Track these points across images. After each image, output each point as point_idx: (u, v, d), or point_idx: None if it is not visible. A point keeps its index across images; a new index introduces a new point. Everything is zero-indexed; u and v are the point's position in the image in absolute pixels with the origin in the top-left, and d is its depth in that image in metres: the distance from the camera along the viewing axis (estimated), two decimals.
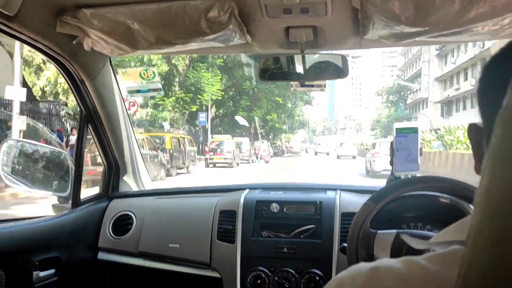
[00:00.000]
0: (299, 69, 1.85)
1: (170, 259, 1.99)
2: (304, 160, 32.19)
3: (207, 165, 23.08)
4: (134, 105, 18.05)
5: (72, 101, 17.20)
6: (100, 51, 1.69)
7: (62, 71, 1.83)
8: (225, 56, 27.80)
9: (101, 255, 2.08)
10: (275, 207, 1.90)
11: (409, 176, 1.78)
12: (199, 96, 27.63)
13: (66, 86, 16.94)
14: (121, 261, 2.06)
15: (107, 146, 2.17)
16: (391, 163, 1.81)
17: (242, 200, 1.94)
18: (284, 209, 1.90)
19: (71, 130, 16.97)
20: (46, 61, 16.21)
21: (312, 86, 2.07)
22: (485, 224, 0.36)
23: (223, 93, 30.89)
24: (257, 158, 29.26)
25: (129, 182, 2.35)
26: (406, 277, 0.50)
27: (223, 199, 2.05)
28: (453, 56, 40.33)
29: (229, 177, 17.11)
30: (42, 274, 1.71)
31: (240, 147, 27.06)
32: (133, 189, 2.37)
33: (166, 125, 25.85)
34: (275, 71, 1.88)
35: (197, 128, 31.15)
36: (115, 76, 2.08)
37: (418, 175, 1.73)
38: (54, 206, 2.03)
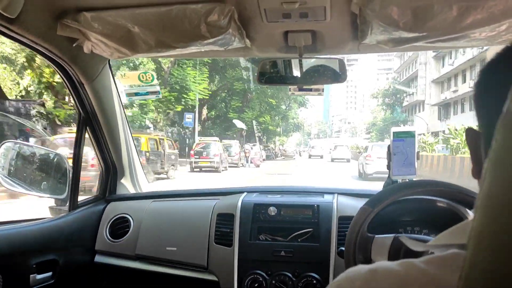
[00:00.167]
0: (297, 73, 1.89)
1: (167, 262, 2.01)
2: (297, 164, 31.64)
3: (192, 170, 21.98)
4: None
5: (54, 101, 16.97)
6: (100, 54, 1.71)
7: (61, 74, 1.85)
8: None
9: (98, 258, 2.10)
10: (272, 211, 1.93)
11: (406, 180, 1.81)
12: (185, 95, 26.33)
13: (50, 85, 16.48)
14: (118, 264, 2.08)
15: (105, 148, 2.20)
16: (388, 167, 1.83)
17: (239, 203, 1.97)
18: (282, 213, 1.93)
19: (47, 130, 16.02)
20: (30, 60, 16.11)
21: (310, 90, 2.09)
22: (487, 227, 0.38)
23: (210, 92, 29.70)
24: (247, 161, 28.14)
25: (126, 185, 2.38)
26: (404, 279, 0.51)
27: (221, 202, 2.08)
28: (450, 58, 39.71)
29: (211, 184, 16.11)
30: (39, 277, 1.72)
31: (229, 150, 26.12)
32: (131, 192, 2.40)
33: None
34: (273, 75, 1.92)
35: (187, 130, 30.26)
36: (113, 79, 2.11)
37: (415, 179, 1.80)
38: (51, 208, 2.04)
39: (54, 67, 1.81)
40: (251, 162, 27.96)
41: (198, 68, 27.36)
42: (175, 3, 1.47)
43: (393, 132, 1.83)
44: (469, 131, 0.64)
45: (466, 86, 35.94)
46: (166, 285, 2.12)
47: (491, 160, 0.40)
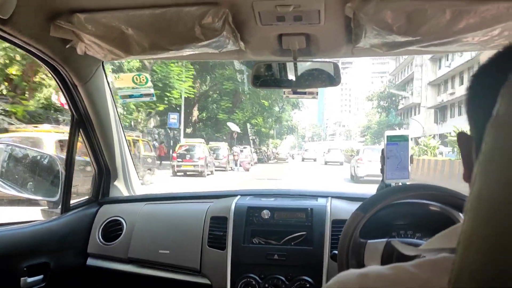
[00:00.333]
0: (292, 76, 1.91)
1: (160, 266, 2.03)
2: (290, 167, 31.13)
3: (174, 174, 20.67)
4: None
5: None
6: (93, 56, 1.72)
7: (54, 75, 1.86)
8: None
9: (90, 261, 2.11)
10: (266, 214, 1.95)
11: (400, 184, 1.84)
12: (168, 94, 24.65)
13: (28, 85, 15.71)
14: (110, 267, 2.09)
15: (98, 150, 2.20)
16: (382, 170, 1.86)
17: (233, 206, 1.99)
18: (275, 216, 1.95)
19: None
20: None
21: (304, 93, 2.12)
22: (476, 231, 0.39)
23: (196, 90, 28.47)
24: (236, 165, 26.97)
25: (119, 187, 2.39)
26: (395, 283, 0.53)
27: (214, 205, 2.10)
28: (447, 60, 38.72)
29: (190, 190, 14.74)
30: (30, 280, 1.72)
31: (216, 152, 25.13)
32: (124, 195, 2.41)
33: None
34: (267, 78, 1.95)
35: (175, 132, 29.12)
36: (107, 81, 2.12)
37: (408, 183, 1.81)
38: (43, 211, 2.05)
39: (47, 68, 1.82)
40: (240, 166, 26.93)
41: (183, 64, 25.63)
42: (169, 6, 1.49)
43: (387, 136, 1.86)
44: (460, 135, 0.65)
45: (464, 89, 35.69)
46: None
47: (480, 163, 0.41)
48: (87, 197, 2.31)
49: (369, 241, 1.44)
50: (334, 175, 22.55)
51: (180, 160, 20.68)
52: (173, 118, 25.56)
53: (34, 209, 2.13)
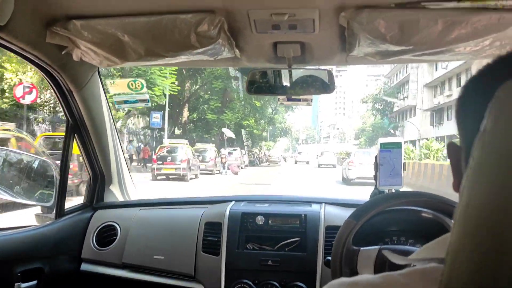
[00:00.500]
0: (286, 83, 1.95)
1: (154, 271, 2.05)
2: (282, 171, 30.68)
3: (154, 177, 19.42)
4: (30, 92, 13.99)
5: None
6: (89, 62, 1.75)
7: (49, 81, 1.88)
8: None
9: (84, 267, 2.13)
10: (260, 220, 1.98)
11: (393, 190, 1.87)
12: (148, 91, 21.20)
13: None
14: (104, 272, 2.11)
15: (93, 156, 2.23)
16: (375, 177, 1.89)
17: (227, 212, 2.02)
18: (269, 222, 1.98)
19: None
20: None
21: (299, 100, 2.17)
22: (464, 243, 0.41)
23: (179, 87, 26.99)
24: (224, 168, 25.86)
25: (114, 193, 2.41)
26: None
27: (209, 211, 2.13)
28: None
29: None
30: (24, 285, 1.74)
31: (203, 155, 24.08)
32: (119, 200, 2.43)
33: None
34: (262, 84, 1.98)
35: (162, 133, 27.97)
36: (103, 87, 2.15)
37: (402, 189, 1.84)
38: (37, 216, 2.07)
39: (43, 74, 1.84)
40: (228, 169, 25.91)
41: None
42: (165, 13, 1.52)
43: (380, 143, 1.89)
44: (449, 145, 0.67)
45: None
46: None
47: (468, 176, 0.44)
48: (81, 202, 2.32)
49: (361, 248, 1.47)
50: (327, 179, 22.60)
51: (160, 162, 19.57)
52: (155, 117, 24.41)
53: (27, 212, 2.15)
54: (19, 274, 1.73)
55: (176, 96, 29.54)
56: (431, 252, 0.60)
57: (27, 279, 1.78)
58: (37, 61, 1.71)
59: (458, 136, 0.66)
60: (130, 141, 27.89)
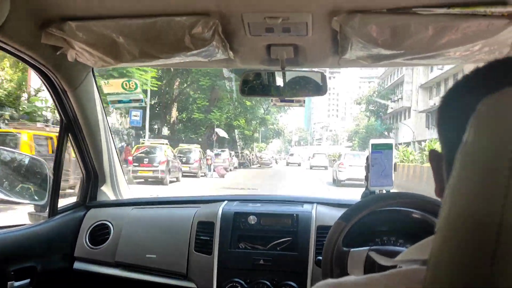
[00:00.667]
0: (279, 85, 1.99)
1: (146, 270, 2.08)
2: (273, 173, 30.15)
3: (130, 181, 15.38)
4: None
5: None
6: (84, 62, 1.78)
7: (44, 81, 1.91)
8: None
9: (77, 265, 2.15)
10: (252, 219, 2.02)
11: (384, 191, 1.92)
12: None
13: None
14: (97, 271, 2.14)
15: (86, 155, 2.26)
16: (366, 178, 1.95)
17: (220, 211, 2.06)
18: (261, 222, 2.02)
19: None
20: None
21: (292, 101, 2.21)
22: (445, 250, 0.45)
23: (159, 82, 25.94)
24: (209, 170, 24.70)
25: (107, 192, 2.45)
26: None
27: (201, 210, 2.16)
28: None
29: None
30: (17, 284, 1.76)
31: (187, 156, 22.90)
32: (111, 199, 2.46)
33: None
34: (255, 86, 2.02)
35: (152, 133, 27.18)
36: (97, 87, 2.18)
37: (392, 190, 1.89)
38: (31, 214, 2.09)
39: (37, 74, 1.87)
40: (214, 171, 24.62)
41: None
42: (159, 15, 1.55)
43: (372, 144, 1.95)
44: (431, 153, 0.70)
45: None
46: None
47: (450, 187, 0.47)
48: (74, 201, 2.35)
49: (351, 249, 1.51)
50: (318, 181, 22.93)
51: (137, 164, 18.02)
52: (135, 115, 22.44)
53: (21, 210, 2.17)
54: (12, 273, 1.75)
55: (164, 95, 29.23)
56: (415, 254, 0.63)
57: (20, 277, 1.79)
58: (31, 61, 1.74)
59: None
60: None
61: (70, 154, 2.45)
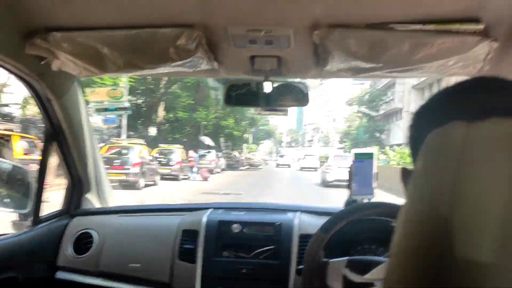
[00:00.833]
0: (263, 95, 2.05)
1: (130, 279, 2.11)
2: (262, 175, 30.01)
3: None
4: None
5: None
6: (68, 72, 1.83)
7: (29, 90, 1.94)
8: None
9: (60, 274, 2.17)
10: (236, 228, 2.08)
11: (366, 200, 2.01)
12: (98, 80, 18.67)
13: None
14: (80, 280, 2.16)
15: (71, 162, 2.29)
16: (349, 186, 2.03)
17: (204, 219, 2.11)
18: (245, 230, 2.08)
19: None
20: None
21: (276, 110, 2.29)
22: (396, 271, 0.51)
23: (136, 76, 23.04)
24: (192, 173, 23.63)
25: (92, 200, 2.47)
26: None
27: (186, 218, 2.21)
28: None
29: None
30: None
31: (167, 157, 21.87)
32: (96, 206, 2.49)
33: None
34: (240, 96, 2.08)
35: (118, 131, 24.97)
36: (82, 95, 2.22)
37: (374, 199, 1.98)
38: (13, 223, 2.12)
39: (22, 83, 1.90)
40: (197, 173, 23.64)
41: None
42: (144, 27, 1.61)
43: (354, 154, 2.03)
44: (403, 171, 0.74)
45: None
46: None
47: (401, 213, 0.53)
48: (59, 209, 2.37)
49: (330, 260, 1.55)
50: (307, 182, 23.57)
51: (107, 166, 14.00)
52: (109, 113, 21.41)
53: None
54: None
55: (150, 94, 29.02)
56: (382, 272, 0.69)
57: None
58: (15, 71, 1.78)
59: None
60: None
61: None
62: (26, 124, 18.47)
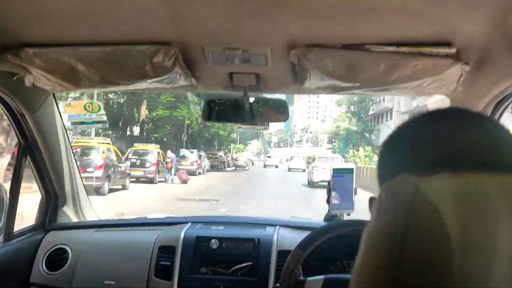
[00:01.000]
0: (242, 111, 2.07)
1: None
2: (248, 177, 29.62)
3: None
4: None
5: None
6: (42, 87, 1.83)
7: (1, 105, 1.94)
8: None
9: None
10: (214, 244, 2.09)
11: (345, 214, 2.05)
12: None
13: None
14: None
15: (46, 176, 2.28)
16: (328, 201, 2.08)
17: (182, 235, 2.12)
18: (223, 245, 2.10)
19: None
20: None
21: (256, 124, 2.33)
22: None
23: None
24: (170, 174, 22.25)
25: (68, 213, 2.47)
26: None
27: (163, 233, 2.22)
28: None
29: None
30: None
31: (142, 158, 20.33)
32: (73, 220, 2.48)
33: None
34: (219, 112, 2.10)
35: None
36: (58, 109, 2.22)
37: (353, 214, 2.02)
38: None
39: None
40: (175, 175, 22.37)
41: None
42: (120, 43, 1.62)
43: (333, 169, 2.07)
44: (370, 199, 0.75)
45: None
46: None
47: (355, 266, 0.60)
48: (32, 224, 2.36)
49: (308, 278, 1.58)
50: (294, 183, 24.21)
51: None
52: None
53: None
54: None
55: (133, 93, 28.86)
56: None
57: None
58: None
59: None
60: None
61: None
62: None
